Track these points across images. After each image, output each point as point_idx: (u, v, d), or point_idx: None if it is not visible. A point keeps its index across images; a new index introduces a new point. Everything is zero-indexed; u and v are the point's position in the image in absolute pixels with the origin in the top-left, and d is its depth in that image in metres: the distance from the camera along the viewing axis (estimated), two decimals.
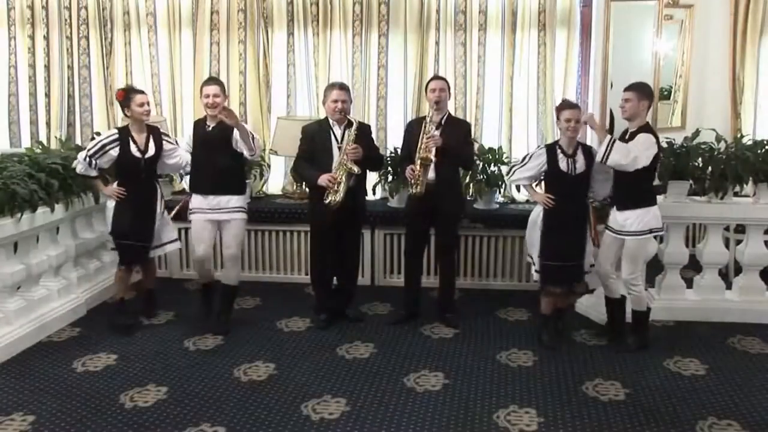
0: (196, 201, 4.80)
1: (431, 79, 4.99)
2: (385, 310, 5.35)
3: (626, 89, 4.53)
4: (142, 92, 4.78)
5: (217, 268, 5.53)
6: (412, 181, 4.69)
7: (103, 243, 5.62)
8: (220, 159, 4.73)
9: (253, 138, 4.71)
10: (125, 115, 4.79)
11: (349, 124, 4.77)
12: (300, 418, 3.67)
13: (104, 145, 4.69)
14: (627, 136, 4.50)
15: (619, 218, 4.49)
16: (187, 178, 5.05)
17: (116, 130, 4.81)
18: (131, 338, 4.72)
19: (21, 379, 4.12)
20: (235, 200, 4.80)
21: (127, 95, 4.69)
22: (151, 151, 4.77)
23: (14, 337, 4.47)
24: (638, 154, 4.32)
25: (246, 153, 4.72)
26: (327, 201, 4.65)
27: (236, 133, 4.66)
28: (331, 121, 4.83)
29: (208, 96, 4.72)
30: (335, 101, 4.75)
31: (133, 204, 4.75)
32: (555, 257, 4.55)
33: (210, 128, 4.76)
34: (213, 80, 4.94)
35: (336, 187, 4.65)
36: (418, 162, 4.67)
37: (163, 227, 4.97)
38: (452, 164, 4.86)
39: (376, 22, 6.35)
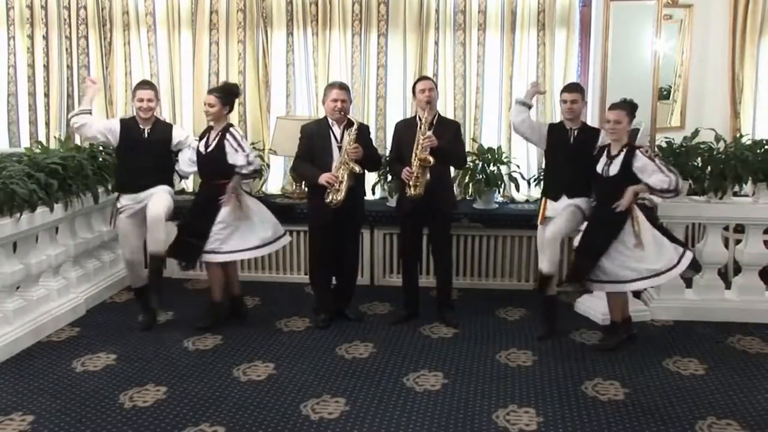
0: (125, 199, 4.86)
1: (419, 80, 4.99)
2: (384, 309, 5.35)
3: (572, 90, 4.75)
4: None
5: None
6: (411, 183, 4.69)
7: (103, 242, 5.64)
8: (154, 160, 4.83)
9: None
10: (224, 113, 4.80)
11: (349, 123, 4.78)
12: (299, 418, 3.67)
13: None
14: (573, 136, 4.72)
15: (564, 203, 4.66)
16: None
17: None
18: (130, 338, 4.73)
19: (20, 378, 4.12)
20: (159, 187, 4.87)
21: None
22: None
23: (13, 337, 4.47)
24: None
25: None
26: (328, 200, 4.65)
27: (182, 134, 5.03)
28: (330, 121, 4.83)
29: (142, 100, 4.80)
30: (335, 101, 4.76)
31: None
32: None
33: (146, 133, 4.85)
34: (147, 84, 5.01)
35: (338, 186, 4.65)
36: (417, 163, 4.66)
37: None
38: (445, 164, 4.87)
39: (376, 21, 6.35)
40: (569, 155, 4.70)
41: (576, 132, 4.72)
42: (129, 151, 4.85)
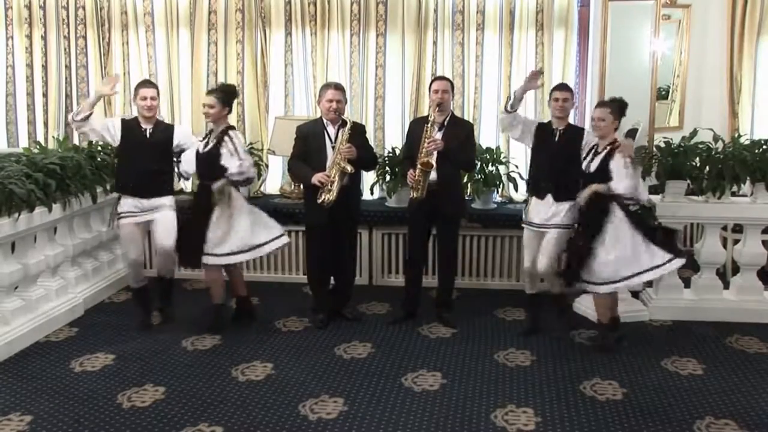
0: (127, 204, 4.79)
1: (434, 80, 4.95)
2: (383, 309, 5.35)
3: (564, 89, 4.70)
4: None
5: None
6: (413, 186, 4.69)
7: (101, 243, 5.63)
8: (155, 163, 4.79)
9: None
10: (223, 113, 4.75)
11: (344, 123, 4.77)
12: (297, 418, 3.67)
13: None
14: (558, 135, 4.69)
15: (551, 210, 4.62)
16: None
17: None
18: (128, 338, 4.73)
19: (18, 379, 4.11)
20: (164, 200, 4.85)
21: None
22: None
23: (12, 337, 4.47)
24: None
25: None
26: (320, 200, 4.65)
27: (185, 136, 4.96)
28: (325, 121, 4.83)
29: (145, 98, 4.74)
30: (330, 101, 4.75)
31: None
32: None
33: (148, 133, 4.80)
34: (150, 83, 4.97)
35: (330, 186, 4.65)
36: (419, 167, 4.65)
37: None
38: (454, 166, 4.85)
39: (374, 21, 6.35)
40: (554, 154, 4.68)
41: (561, 131, 4.70)
42: (130, 152, 4.80)
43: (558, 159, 4.65)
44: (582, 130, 4.82)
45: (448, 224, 4.96)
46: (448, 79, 4.98)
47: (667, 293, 5.20)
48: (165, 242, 4.83)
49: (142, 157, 4.77)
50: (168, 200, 4.88)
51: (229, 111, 4.84)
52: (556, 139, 4.69)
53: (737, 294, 5.19)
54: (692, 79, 6.68)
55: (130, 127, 4.84)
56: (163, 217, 4.83)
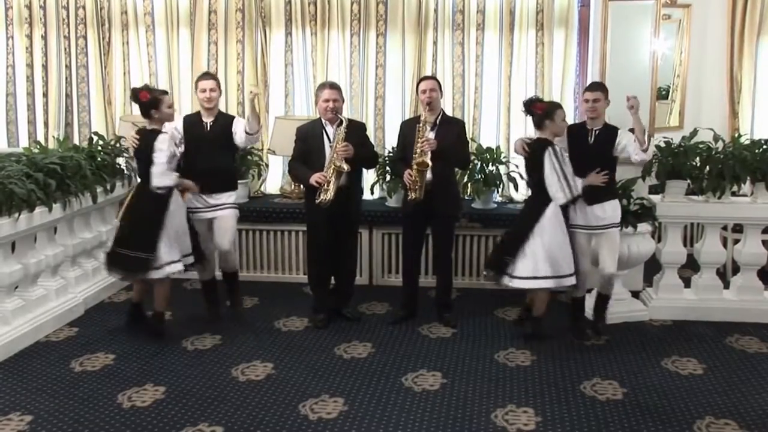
0: (194, 201, 4.79)
1: (421, 80, 4.97)
2: (383, 309, 5.35)
3: (594, 89, 4.64)
4: (166, 92, 4.66)
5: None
6: (410, 187, 4.69)
7: (101, 242, 5.63)
8: (218, 157, 4.75)
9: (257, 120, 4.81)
10: (151, 117, 4.47)
11: (341, 122, 4.77)
12: (298, 418, 3.67)
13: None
14: (593, 136, 4.60)
15: (597, 212, 4.55)
16: None
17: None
18: (129, 338, 4.72)
19: (18, 379, 4.12)
20: (227, 196, 4.86)
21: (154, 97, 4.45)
22: None
23: (12, 337, 4.47)
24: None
25: (248, 130, 4.74)
26: (318, 200, 4.65)
27: (241, 123, 4.78)
28: (323, 121, 4.82)
29: (204, 91, 4.71)
30: (327, 101, 4.74)
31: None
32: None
33: (208, 126, 4.76)
34: (209, 75, 4.95)
35: (326, 186, 4.65)
36: (415, 167, 4.65)
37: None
38: (448, 165, 4.85)
39: (374, 21, 6.35)
40: (590, 156, 4.56)
41: (597, 132, 4.58)
42: (191, 147, 4.70)
43: (594, 161, 4.53)
44: (615, 129, 4.67)
45: (444, 223, 4.96)
46: (435, 78, 4.99)
47: (667, 293, 5.20)
48: (221, 242, 4.85)
49: (202, 152, 4.70)
50: (230, 197, 4.89)
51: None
52: (591, 140, 4.59)
53: (737, 294, 5.19)
54: (692, 78, 6.68)
55: (191, 122, 4.82)
56: (223, 217, 4.84)
